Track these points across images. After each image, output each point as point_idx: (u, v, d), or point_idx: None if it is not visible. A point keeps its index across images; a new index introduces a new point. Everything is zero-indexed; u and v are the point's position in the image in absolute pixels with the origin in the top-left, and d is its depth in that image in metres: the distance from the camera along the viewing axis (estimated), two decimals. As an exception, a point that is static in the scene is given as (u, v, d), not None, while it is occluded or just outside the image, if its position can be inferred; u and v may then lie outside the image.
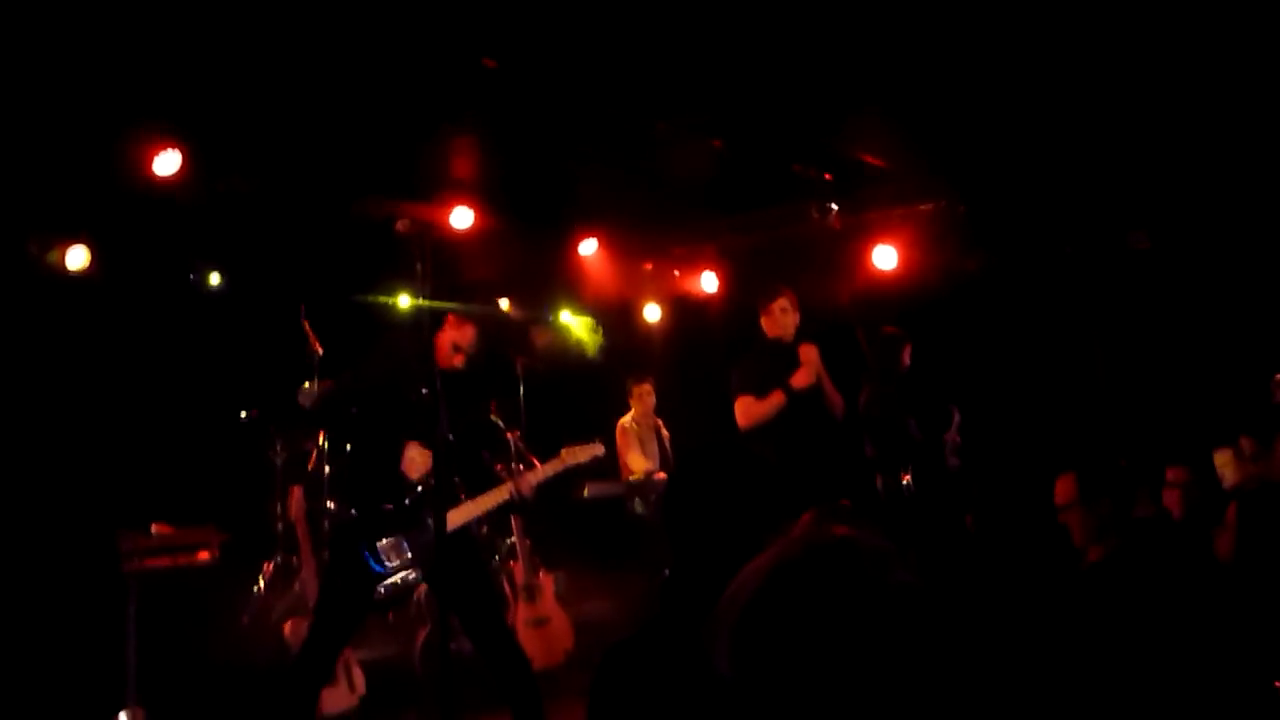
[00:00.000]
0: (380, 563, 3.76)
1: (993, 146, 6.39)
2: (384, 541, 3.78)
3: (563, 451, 4.23)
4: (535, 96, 5.53)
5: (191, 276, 6.77)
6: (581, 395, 7.98)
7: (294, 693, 3.72)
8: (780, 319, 5.11)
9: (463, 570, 3.85)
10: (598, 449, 4.29)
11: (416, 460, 3.77)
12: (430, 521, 3.64)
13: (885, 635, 1.02)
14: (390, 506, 3.81)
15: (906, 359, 6.08)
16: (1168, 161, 6.24)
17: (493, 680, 3.96)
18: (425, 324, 3.71)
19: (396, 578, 3.77)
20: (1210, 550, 4.43)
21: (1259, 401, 4.85)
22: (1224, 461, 4.66)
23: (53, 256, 6.04)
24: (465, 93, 5.39)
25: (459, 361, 4.01)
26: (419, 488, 3.81)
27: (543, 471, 4.19)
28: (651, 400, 7.24)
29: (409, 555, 3.79)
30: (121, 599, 4.37)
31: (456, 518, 3.83)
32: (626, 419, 7.19)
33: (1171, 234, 6.82)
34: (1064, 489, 3.50)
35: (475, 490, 3.98)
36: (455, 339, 4.00)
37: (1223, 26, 4.91)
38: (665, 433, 7.26)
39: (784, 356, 5.05)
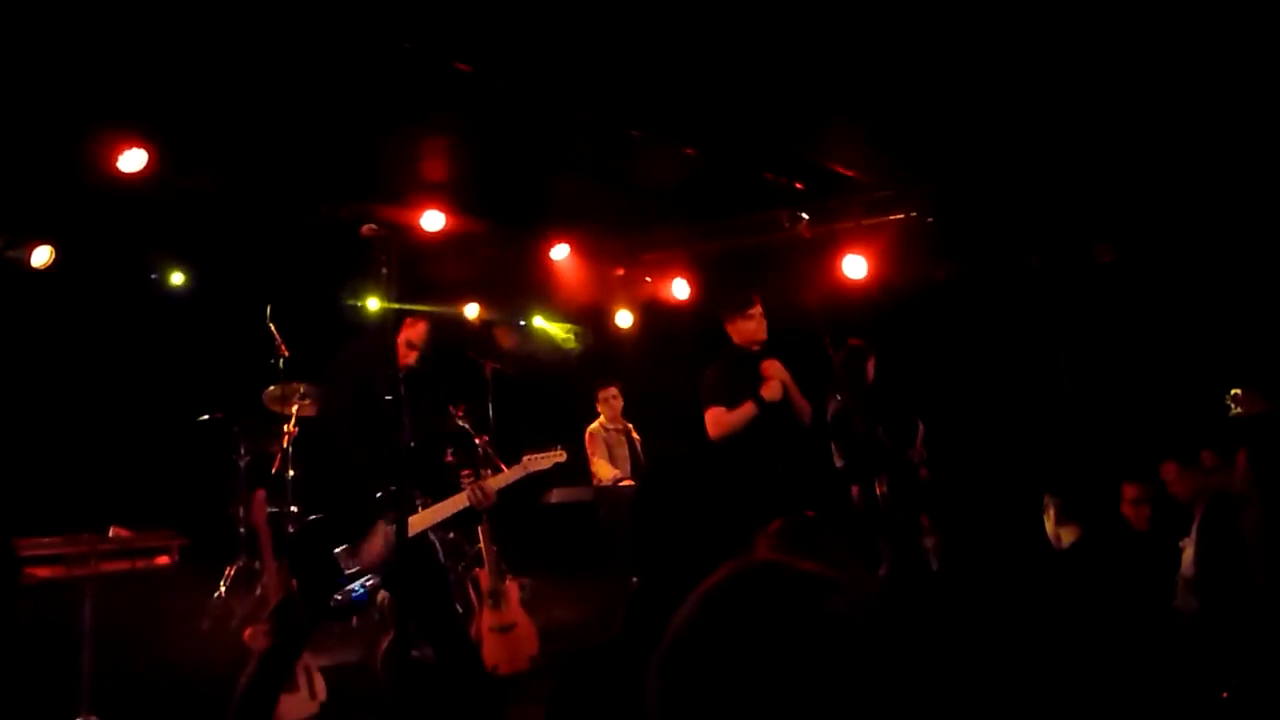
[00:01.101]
0: (340, 568, 3.72)
1: (961, 158, 6.45)
2: (341, 548, 3.73)
3: (524, 458, 4.20)
4: (509, 101, 5.51)
5: (153, 276, 6.68)
6: (551, 400, 7.95)
7: (251, 699, 3.67)
8: (760, 323, 5.13)
9: (419, 575, 3.82)
10: (559, 455, 4.27)
11: (377, 546, 3.70)
12: (389, 527, 3.60)
13: (813, 669, 0.94)
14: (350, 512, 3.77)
15: (871, 371, 6.10)
16: (1134, 175, 6.33)
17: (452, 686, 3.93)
18: (390, 329, 3.67)
19: (354, 584, 3.73)
20: (1174, 561, 4.49)
21: (1218, 414, 4.92)
22: (1172, 476, 4.74)
23: (16, 253, 5.93)
24: (438, 96, 5.36)
25: (413, 359, 4.01)
26: (378, 494, 3.75)
27: (503, 477, 4.15)
28: (619, 404, 7.22)
29: (366, 561, 3.75)
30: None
31: (416, 524, 3.79)
32: (595, 425, 7.17)
33: (1137, 247, 6.91)
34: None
35: (435, 496, 3.95)
36: (409, 336, 4.01)
37: (1190, 41, 4.98)
38: (636, 437, 7.24)
39: (753, 365, 5.06)
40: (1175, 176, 6.24)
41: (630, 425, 7.27)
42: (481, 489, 3.97)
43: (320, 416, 4.85)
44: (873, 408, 5.94)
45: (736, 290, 5.34)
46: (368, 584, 3.74)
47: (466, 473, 5.53)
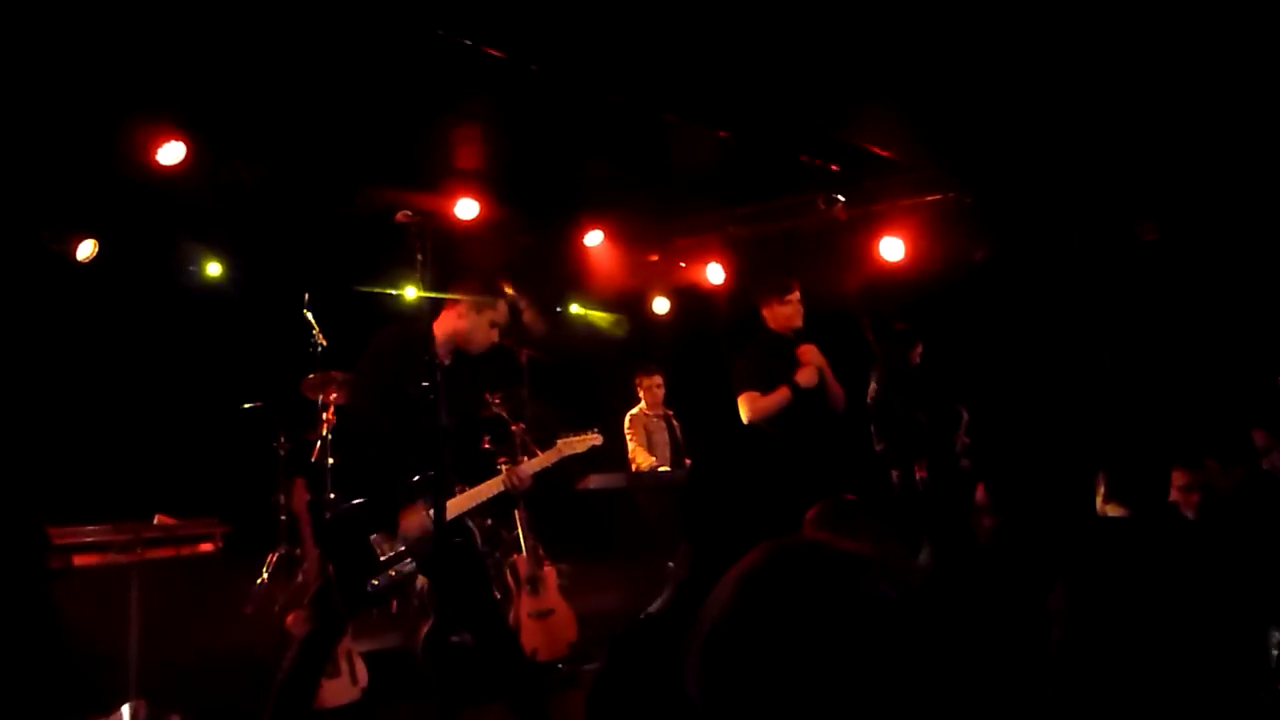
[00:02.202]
0: (376, 553, 3.73)
1: (1000, 137, 6.34)
2: (378, 533, 3.75)
3: (559, 442, 4.21)
4: (542, 87, 5.49)
5: (191, 267, 6.76)
6: (588, 387, 7.95)
7: (293, 684, 3.70)
8: (798, 310, 5.08)
9: (457, 560, 3.83)
10: (594, 439, 4.26)
11: (414, 523, 3.71)
12: (425, 511, 3.62)
13: (853, 649, 0.92)
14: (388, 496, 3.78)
15: (916, 357, 6.04)
16: (1177, 152, 6.19)
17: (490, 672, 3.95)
18: (425, 315, 3.67)
19: (392, 569, 3.74)
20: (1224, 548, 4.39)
21: (1268, 398, 4.81)
22: (1215, 473, 4.64)
23: (61, 247, 6.03)
24: (471, 83, 5.35)
25: (495, 336, 4.01)
26: (414, 479, 3.76)
27: (538, 461, 4.16)
28: (661, 393, 7.21)
29: (403, 546, 3.76)
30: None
31: (452, 508, 3.80)
32: (636, 409, 7.17)
33: (1180, 225, 6.76)
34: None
35: (470, 482, 3.95)
36: (493, 317, 3.98)
37: (1232, 16, 4.85)
38: (677, 424, 7.23)
39: (788, 350, 5.01)
40: (1220, 151, 6.09)
41: (671, 412, 7.26)
42: (516, 473, 3.97)
43: (349, 406, 4.87)
44: (914, 392, 5.89)
45: (774, 275, 5.29)
46: (403, 569, 3.76)
47: (503, 460, 5.57)
